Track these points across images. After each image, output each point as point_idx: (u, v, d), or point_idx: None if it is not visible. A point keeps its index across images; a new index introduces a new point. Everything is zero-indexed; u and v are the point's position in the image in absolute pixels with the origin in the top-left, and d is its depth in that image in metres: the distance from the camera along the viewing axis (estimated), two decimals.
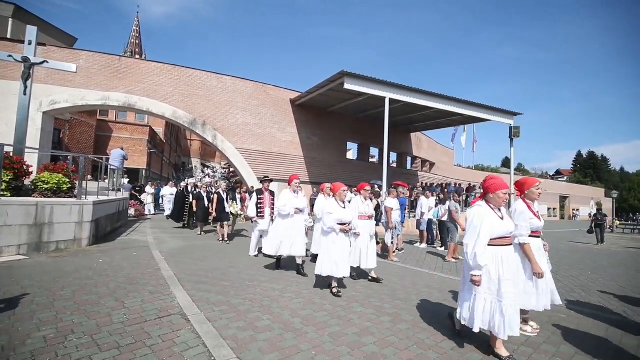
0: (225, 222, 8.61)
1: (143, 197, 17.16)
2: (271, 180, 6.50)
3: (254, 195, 6.43)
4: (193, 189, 11.13)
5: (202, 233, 9.83)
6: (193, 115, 15.46)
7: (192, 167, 58.01)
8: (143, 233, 9.29)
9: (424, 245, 9.71)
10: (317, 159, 18.15)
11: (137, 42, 72.03)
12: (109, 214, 8.56)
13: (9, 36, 16.06)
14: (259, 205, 6.32)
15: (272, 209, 6.34)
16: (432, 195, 10.93)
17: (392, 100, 14.39)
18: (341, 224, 4.25)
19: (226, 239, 8.43)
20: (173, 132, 45.81)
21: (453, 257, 7.57)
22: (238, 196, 10.52)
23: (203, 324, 2.99)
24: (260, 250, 6.37)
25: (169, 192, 15.22)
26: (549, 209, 41.46)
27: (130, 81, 14.68)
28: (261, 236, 6.50)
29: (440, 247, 9.48)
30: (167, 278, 4.56)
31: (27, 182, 7.58)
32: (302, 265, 5.34)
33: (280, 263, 5.63)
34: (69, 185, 7.68)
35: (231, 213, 9.10)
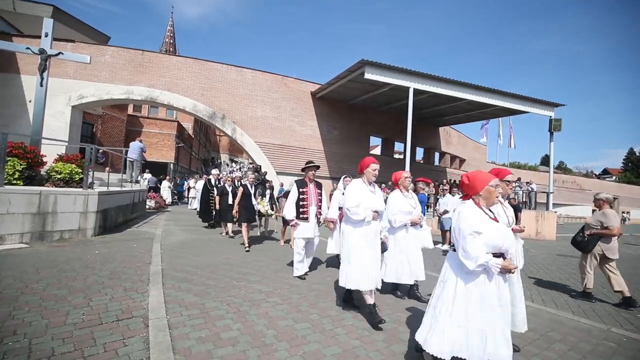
0: (245, 224, 6.74)
1: (161, 190, 17.52)
2: (317, 167, 4.80)
3: (294, 188, 4.77)
4: (217, 182, 9.48)
5: (228, 234, 8.14)
6: (212, 108, 15.43)
7: (220, 162, 59.42)
8: (155, 225, 9.24)
9: (446, 247, 8.91)
10: (337, 153, 17.58)
11: (171, 41, 74.77)
12: (121, 204, 8.55)
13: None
14: (301, 203, 4.65)
15: (319, 207, 4.80)
16: (459, 193, 10.03)
17: (417, 91, 13.51)
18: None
19: (246, 245, 6.50)
20: (202, 128, 46.97)
21: None
22: (268, 192, 8.93)
23: (160, 332, 2.59)
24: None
25: (199, 186, 13.53)
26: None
27: (152, 75, 14.87)
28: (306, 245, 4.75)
29: (442, 246, 8.70)
30: (152, 274, 4.26)
31: (42, 172, 7.70)
32: (375, 308, 3.20)
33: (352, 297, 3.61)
34: (82, 176, 7.72)
35: (260, 212, 7.60)
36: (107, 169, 14.82)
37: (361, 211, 3.18)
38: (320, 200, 4.84)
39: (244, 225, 6.71)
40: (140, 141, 12.64)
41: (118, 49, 14.92)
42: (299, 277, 4.53)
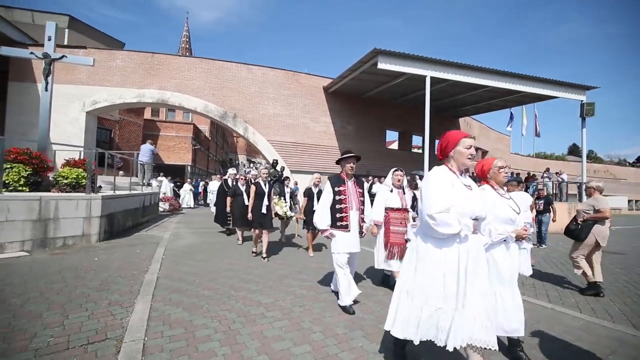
0: (265, 230, 5.68)
1: (181, 192, 17.52)
2: (358, 158, 3.62)
3: (327, 187, 3.59)
4: (233, 182, 8.04)
5: (239, 241, 7.16)
6: (224, 108, 15.21)
7: (238, 163, 59.91)
8: (165, 228, 9.03)
9: None
10: (352, 149, 16.85)
11: (187, 46, 76.21)
12: (129, 208, 8.37)
13: (65, 43, 17.24)
14: (338, 207, 3.49)
15: (362, 211, 3.61)
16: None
17: (434, 80, 12.73)
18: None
19: (264, 254, 5.62)
20: (219, 130, 47.40)
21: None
22: (287, 189, 7.77)
23: None
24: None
25: (214, 187, 12.76)
26: (629, 201, 35.60)
27: (163, 77, 14.80)
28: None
29: None
30: (145, 283, 3.91)
31: (50, 177, 7.60)
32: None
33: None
34: (91, 180, 7.56)
35: (277, 214, 6.63)
36: (121, 172, 14.94)
37: (453, 219, 1.95)
38: (363, 203, 3.61)
39: (257, 232, 5.71)
40: (151, 143, 12.53)
41: (129, 53, 14.95)
42: (346, 308, 3.30)
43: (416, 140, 21.77)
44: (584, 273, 4.39)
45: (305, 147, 16.24)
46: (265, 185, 5.80)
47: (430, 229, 1.99)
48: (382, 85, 15.24)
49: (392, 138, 22.79)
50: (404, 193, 4.22)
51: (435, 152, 2.36)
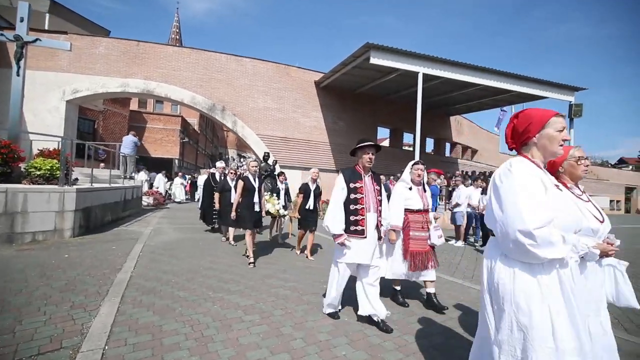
0: (248, 231, 5.01)
1: (172, 187, 17.01)
2: (378, 147, 3.02)
3: (339, 181, 3.00)
4: (222, 177, 7.44)
5: (232, 242, 6.49)
6: (212, 100, 14.78)
7: (228, 158, 59.11)
8: (147, 223, 8.68)
9: (460, 244, 8.12)
10: (343, 145, 16.76)
11: (177, 37, 74.59)
12: (108, 202, 7.99)
13: (45, 28, 16.47)
14: (352, 207, 2.91)
15: (380, 213, 2.99)
16: (474, 184, 9.15)
17: (426, 77, 12.59)
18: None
19: (250, 256, 4.96)
20: (209, 124, 46.56)
21: None
22: (281, 185, 7.05)
23: None
24: None
25: (203, 181, 11.65)
26: (611, 201, 36.47)
27: (148, 67, 14.28)
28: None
29: (482, 245, 7.88)
30: (116, 283, 3.63)
31: (22, 168, 7.17)
32: None
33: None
34: (65, 172, 7.16)
35: (268, 212, 6.00)
36: (102, 165, 14.42)
37: (557, 237, 1.38)
38: (381, 203, 2.99)
39: (248, 232, 5.01)
40: (134, 135, 12.07)
41: (112, 40, 14.36)
42: (331, 315, 3.03)
43: (407, 138, 21.72)
44: None
45: (295, 143, 15.96)
46: (254, 180, 5.09)
47: (521, 251, 1.38)
48: (374, 81, 15.04)
49: (384, 135, 22.70)
50: (425, 191, 3.62)
51: (505, 140, 1.74)
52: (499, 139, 29.49)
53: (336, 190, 2.96)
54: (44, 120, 13.24)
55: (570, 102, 14.71)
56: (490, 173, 19.01)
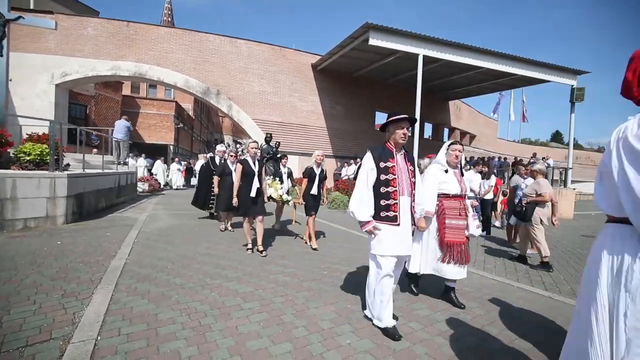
0: (257, 217, 4.63)
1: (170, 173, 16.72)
2: (413, 121, 2.59)
3: (367, 161, 2.58)
4: (222, 161, 7.01)
5: (230, 228, 6.26)
6: (206, 83, 14.41)
7: (224, 142, 58.47)
8: (142, 209, 8.53)
9: None
10: (340, 130, 16.56)
11: (169, 19, 72.49)
12: (102, 188, 7.81)
13: (31, 8, 15.80)
14: (384, 190, 2.50)
15: (414, 197, 2.61)
16: (474, 168, 9.00)
17: (426, 60, 12.28)
18: None
19: (259, 247, 4.61)
20: (203, 109, 45.80)
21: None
22: (284, 169, 6.83)
23: None
24: None
25: (198, 166, 10.87)
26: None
27: (139, 49, 13.82)
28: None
29: (483, 232, 7.83)
30: (110, 270, 3.51)
31: (11, 153, 6.93)
32: None
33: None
34: (56, 157, 6.94)
35: (271, 198, 5.65)
36: (94, 150, 14.13)
37: None
38: (414, 185, 2.60)
39: (245, 220, 4.73)
40: (127, 119, 11.74)
41: (101, 21, 13.84)
42: (388, 331, 2.42)
43: None
44: (538, 250, 4.74)
45: (292, 127, 15.70)
46: (254, 163, 4.69)
47: None
48: (373, 63, 14.70)
49: (380, 120, 22.44)
50: (462, 174, 3.24)
51: (620, 91, 1.40)
52: (497, 124, 29.36)
53: (364, 171, 2.54)
54: (33, 104, 12.86)
55: (573, 85, 14.49)
56: (490, 158, 18.95)
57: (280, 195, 5.79)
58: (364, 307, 2.86)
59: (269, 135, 8.55)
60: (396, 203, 2.46)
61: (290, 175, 7.10)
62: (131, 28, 13.80)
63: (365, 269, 4.10)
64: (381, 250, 2.46)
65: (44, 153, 6.68)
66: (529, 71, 13.73)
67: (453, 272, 2.99)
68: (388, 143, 2.60)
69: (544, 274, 4.46)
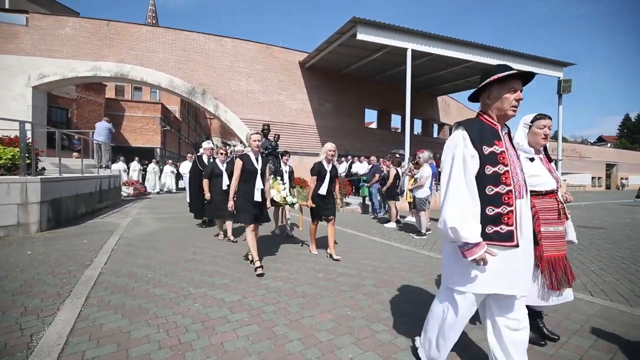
0: (249, 226, 3.75)
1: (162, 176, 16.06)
2: (527, 78, 1.69)
3: (461, 139, 1.62)
4: (210, 159, 6.21)
5: (231, 237, 5.28)
6: (191, 83, 13.98)
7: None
8: (125, 214, 8.11)
9: None
10: (330, 128, 16.30)
11: (153, 22, 71.27)
12: (81, 193, 7.37)
13: (6, 7, 15.06)
14: (493, 191, 1.59)
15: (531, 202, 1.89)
16: None
17: (414, 55, 12.10)
18: None
19: (255, 260, 3.66)
20: (190, 111, 45.00)
21: None
22: (285, 167, 6.00)
23: None
24: None
25: (185, 169, 10.13)
26: (592, 178, 37.43)
27: (121, 48, 13.30)
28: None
29: None
30: (82, 281, 3.16)
31: None
32: None
33: None
34: (28, 161, 6.49)
35: (272, 201, 4.78)
36: (75, 154, 13.54)
37: None
38: (525, 180, 1.71)
39: (248, 228, 3.73)
40: (108, 121, 11.26)
41: (80, 20, 13.29)
42: None
43: (394, 120, 21.39)
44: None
45: (281, 126, 15.33)
46: (257, 160, 3.84)
47: None
48: (361, 60, 14.49)
49: (371, 116, 22.25)
50: (550, 160, 2.28)
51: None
52: None
53: (458, 160, 1.60)
54: (9, 108, 12.23)
55: (559, 77, 14.55)
56: None
57: (284, 197, 5.00)
58: (365, 314, 2.60)
59: (266, 127, 7.21)
60: (512, 211, 1.58)
61: (291, 174, 6.22)
62: (112, 27, 13.28)
63: (363, 268, 3.85)
64: (471, 285, 1.60)
65: (16, 157, 6.25)
66: (515, 64, 13.69)
67: (560, 297, 2.10)
68: (486, 117, 1.70)
69: None
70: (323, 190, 4.43)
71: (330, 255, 4.36)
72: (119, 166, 13.85)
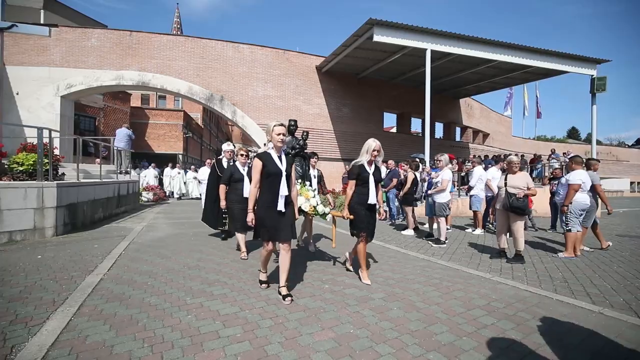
0: (283, 244, 3.02)
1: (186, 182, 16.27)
2: None
3: None
4: (230, 163, 5.52)
5: (243, 255, 4.51)
6: (210, 90, 14.19)
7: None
8: (142, 219, 8.20)
9: (478, 231, 7.42)
10: (348, 133, 16.07)
11: (178, 33, 74.12)
12: (99, 198, 7.51)
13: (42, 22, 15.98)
14: None
15: None
16: (499, 165, 8.32)
17: (433, 56, 11.74)
18: None
19: (282, 285, 3.02)
20: (212, 118, 46.11)
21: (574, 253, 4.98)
22: (314, 172, 5.26)
23: None
24: None
25: (203, 175, 8.77)
26: (631, 182, 34.96)
27: (142, 57, 13.73)
28: None
29: (474, 231, 7.35)
30: (81, 288, 3.09)
31: (6, 164, 6.70)
32: None
33: None
34: (47, 167, 6.67)
35: (301, 210, 4.12)
36: (97, 160, 13.98)
37: None
38: None
39: (266, 247, 3.06)
40: (128, 127, 11.57)
41: (104, 31, 13.85)
42: None
43: (414, 124, 20.86)
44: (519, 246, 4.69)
45: (298, 132, 15.26)
46: (280, 160, 3.03)
47: None
48: (379, 62, 14.23)
49: (388, 122, 21.86)
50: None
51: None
52: (511, 121, 28.33)
53: None
54: (40, 117, 12.83)
55: (592, 75, 13.66)
56: (505, 156, 18.07)
57: (314, 207, 4.17)
58: (370, 332, 2.34)
59: (293, 124, 5.93)
60: None
61: (320, 179, 5.35)
62: (134, 37, 13.74)
63: (373, 278, 3.46)
64: None
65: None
66: (544, 62, 13.00)
67: None
68: None
69: (586, 282, 3.83)
70: (372, 199, 3.54)
71: (361, 278, 3.61)
72: (150, 172, 14.30)
